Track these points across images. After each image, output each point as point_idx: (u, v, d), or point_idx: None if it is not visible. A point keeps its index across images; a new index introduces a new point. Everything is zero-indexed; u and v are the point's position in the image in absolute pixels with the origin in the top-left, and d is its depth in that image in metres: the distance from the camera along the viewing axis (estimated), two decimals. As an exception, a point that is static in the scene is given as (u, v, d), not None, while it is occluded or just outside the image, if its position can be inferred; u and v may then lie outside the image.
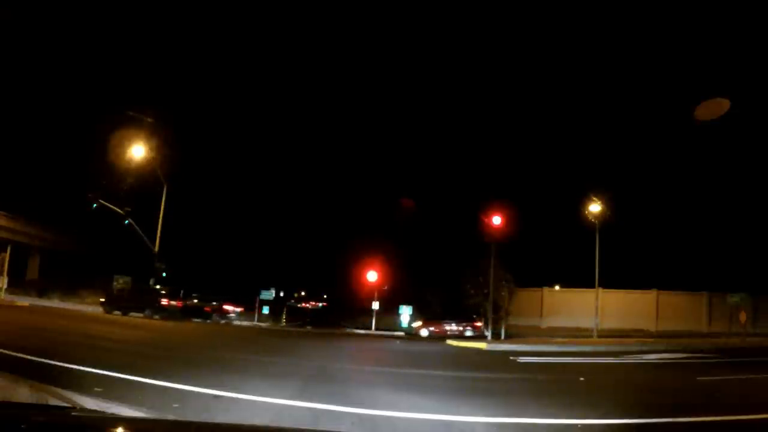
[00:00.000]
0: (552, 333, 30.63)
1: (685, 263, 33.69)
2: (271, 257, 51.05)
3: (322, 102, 71.56)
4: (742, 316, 24.33)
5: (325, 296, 72.40)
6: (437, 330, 29.46)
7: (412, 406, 7.14)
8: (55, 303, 32.66)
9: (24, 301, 29.81)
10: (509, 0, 55.98)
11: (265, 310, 37.86)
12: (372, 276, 37.18)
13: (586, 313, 28.93)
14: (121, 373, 7.82)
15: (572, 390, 9.81)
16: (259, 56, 67.09)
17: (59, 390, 5.43)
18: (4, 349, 9.20)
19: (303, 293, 75.57)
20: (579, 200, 27.49)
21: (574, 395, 9.04)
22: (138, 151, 29.52)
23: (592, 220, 26.77)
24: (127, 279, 35.68)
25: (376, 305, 35.35)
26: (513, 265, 29.48)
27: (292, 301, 67.09)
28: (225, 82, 68.37)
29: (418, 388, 9.00)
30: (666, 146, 44.20)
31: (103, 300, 29.65)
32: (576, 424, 6.44)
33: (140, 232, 30.75)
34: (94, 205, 29.36)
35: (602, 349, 20.82)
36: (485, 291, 27.77)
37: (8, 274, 35.47)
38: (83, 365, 8.20)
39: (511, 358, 16.44)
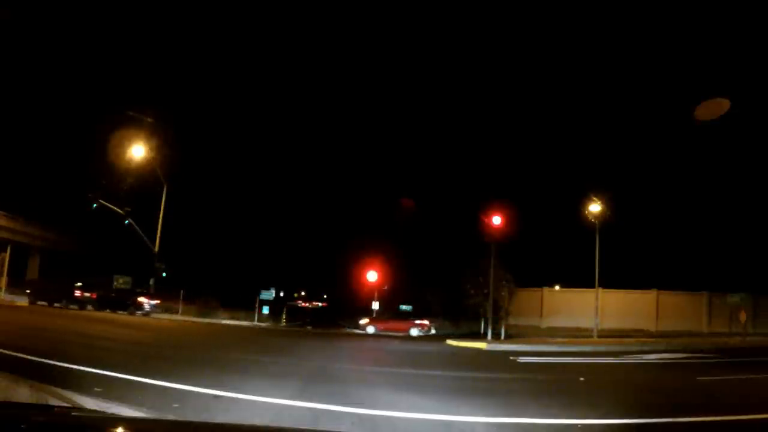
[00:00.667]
0: (552, 333, 30.63)
1: (685, 263, 33.70)
2: (271, 257, 51.09)
3: (322, 102, 71.60)
4: (742, 316, 24.34)
5: (325, 296, 72.43)
6: (382, 327, 30.01)
7: (412, 406, 7.14)
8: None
9: (24, 301, 29.79)
10: (509, 0, 55.98)
11: (265, 310, 37.86)
12: (372, 276, 37.20)
13: (586, 313, 28.94)
14: (121, 373, 7.82)
15: (572, 390, 9.81)
16: (259, 56, 67.13)
17: (59, 390, 5.44)
18: (4, 349, 9.20)
19: (303, 293, 75.58)
20: (579, 200, 27.49)
21: (574, 395, 9.04)
22: (138, 151, 29.55)
23: (592, 220, 26.77)
24: (128, 279, 35.69)
25: (376, 305, 35.36)
26: (513, 265, 29.50)
27: (299, 302, 67.18)
28: (225, 82, 68.41)
29: (418, 388, 9.00)
30: (666, 146, 44.21)
31: (28, 291, 30.69)
32: (576, 424, 6.44)
33: (140, 232, 30.78)
34: (94, 205, 29.38)
35: (602, 349, 20.82)
36: (485, 291, 27.77)
37: (8, 274, 35.50)
38: (83, 365, 8.20)
39: (511, 358, 16.44)
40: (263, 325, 33.82)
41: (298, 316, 44.88)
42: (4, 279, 34.40)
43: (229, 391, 7.08)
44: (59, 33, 49.93)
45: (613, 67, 51.95)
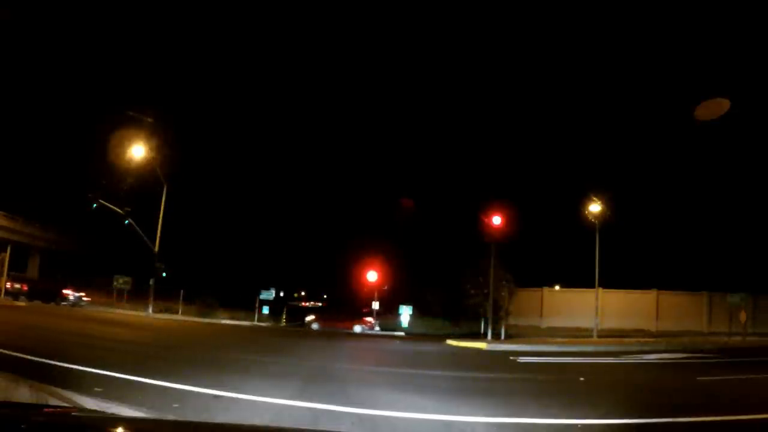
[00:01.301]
0: (552, 333, 30.63)
1: (685, 263, 33.70)
2: (271, 257, 51.01)
3: (322, 102, 71.56)
4: (742, 316, 24.35)
5: (325, 296, 72.40)
6: (327, 324, 30.65)
7: (412, 406, 7.14)
8: (54, 303, 32.63)
9: (24, 301, 29.82)
10: (509, 0, 55.98)
11: (265, 310, 37.86)
12: (372, 276, 37.19)
13: (586, 313, 28.94)
14: (121, 372, 7.82)
15: (572, 390, 9.81)
16: (259, 56, 67.09)
17: (59, 390, 5.44)
18: (4, 349, 9.20)
19: (303, 293, 75.54)
20: (579, 200, 27.50)
21: (574, 395, 9.04)
22: (138, 151, 29.54)
23: (592, 220, 26.78)
24: (128, 279, 35.70)
25: (376, 305, 35.36)
26: (513, 265, 29.51)
27: (303, 303, 67.19)
28: (225, 83, 68.36)
29: (417, 388, 9.00)
30: (666, 146, 44.19)
31: None
32: (576, 424, 6.43)
33: (140, 232, 30.77)
34: (94, 205, 29.37)
35: (602, 349, 20.82)
36: (485, 291, 27.78)
37: (8, 275, 35.48)
38: (83, 365, 8.20)
39: (511, 358, 16.44)
40: (263, 324, 33.83)
41: (299, 316, 44.87)
42: (5, 279, 34.40)
43: (229, 391, 7.08)
44: (59, 33, 49.92)
45: (613, 67, 51.95)
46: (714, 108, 20.36)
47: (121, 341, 14.12)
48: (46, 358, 8.60)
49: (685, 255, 34.15)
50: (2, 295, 32.60)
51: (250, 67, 68.08)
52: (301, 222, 55.33)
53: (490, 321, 26.94)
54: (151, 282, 31.36)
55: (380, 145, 66.86)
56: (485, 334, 27.06)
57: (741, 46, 36.86)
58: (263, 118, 65.58)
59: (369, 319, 31.29)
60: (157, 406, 5.74)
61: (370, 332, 30.19)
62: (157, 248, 31.53)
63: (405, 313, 35.94)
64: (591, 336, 26.27)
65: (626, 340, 24.70)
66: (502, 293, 29.09)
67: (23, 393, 5.11)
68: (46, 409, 3.20)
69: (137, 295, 34.75)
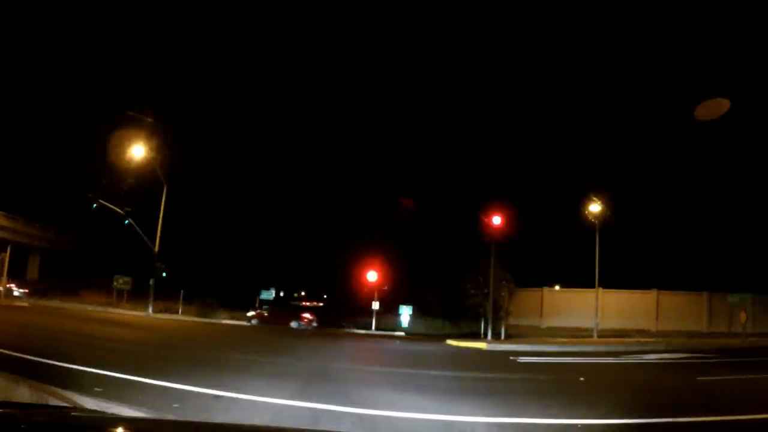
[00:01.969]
0: (552, 333, 30.63)
1: (685, 263, 33.70)
2: (271, 257, 51.01)
3: (322, 102, 71.55)
4: (742, 316, 24.35)
5: (325, 296, 72.40)
6: (268, 321, 31.02)
7: (412, 405, 7.14)
8: (54, 303, 32.66)
9: (24, 301, 29.82)
10: (509, 0, 55.98)
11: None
12: (372, 276, 37.18)
13: (586, 313, 28.94)
14: (121, 372, 7.82)
15: (572, 390, 9.81)
16: (259, 57, 67.10)
17: (59, 390, 5.44)
18: (4, 349, 9.20)
19: (303, 293, 75.55)
20: (579, 200, 27.51)
21: (574, 395, 9.04)
22: (138, 151, 29.53)
23: (592, 220, 26.78)
24: (128, 279, 35.70)
25: (376, 305, 35.35)
26: (513, 265, 29.50)
27: (302, 303, 67.20)
28: (225, 83, 68.37)
29: (417, 388, 9.00)
30: (666, 146, 44.20)
31: None
32: (576, 424, 6.43)
33: (140, 232, 30.77)
34: (94, 205, 29.37)
35: (602, 349, 20.83)
36: (485, 291, 27.78)
37: (8, 274, 35.49)
38: (83, 365, 8.19)
39: (511, 358, 16.44)
40: (263, 325, 33.82)
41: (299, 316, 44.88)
42: (5, 279, 34.40)
43: (229, 391, 7.07)
44: (59, 33, 49.93)
45: (613, 67, 51.95)
46: (714, 108, 20.35)
47: (121, 341, 14.11)
48: (45, 358, 8.60)
49: (685, 255, 34.16)
50: (2, 296, 32.62)
51: (250, 68, 68.09)
52: (301, 222, 55.33)
53: (490, 321, 26.94)
54: (151, 282, 31.35)
55: (380, 145, 66.86)
56: (485, 334, 27.06)
57: (741, 46, 36.86)
58: (263, 118, 65.58)
59: (306, 315, 31.91)
60: (157, 406, 5.74)
61: (306, 328, 30.87)
62: (157, 248, 31.53)
63: (405, 313, 35.93)
64: (591, 336, 26.27)
65: (626, 340, 24.70)
66: (502, 293, 29.09)
67: (23, 393, 5.11)
68: (46, 409, 3.20)
69: (137, 295, 34.74)
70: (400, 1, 56.23)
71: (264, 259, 49.74)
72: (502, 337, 26.08)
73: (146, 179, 31.06)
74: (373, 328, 34.66)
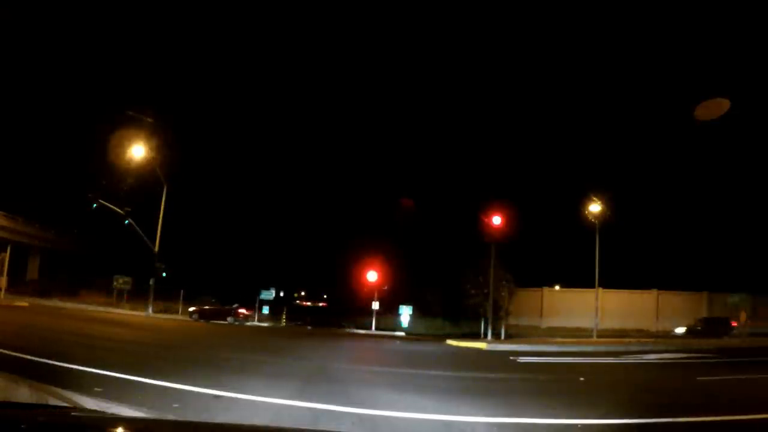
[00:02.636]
0: (552, 333, 30.65)
1: (685, 263, 33.72)
2: (271, 257, 51.02)
3: (322, 102, 71.57)
4: (742, 316, 24.35)
5: (325, 296, 72.40)
6: (206, 316, 31.31)
7: (412, 405, 7.14)
8: (55, 303, 32.66)
9: (24, 301, 29.80)
10: (509, 0, 55.98)
11: (265, 310, 37.87)
12: (372, 276, 37.17)
13: (586, 313, 28.95)
14: (121, 373, 7.82)
15: (572, 390, 9.81)
16: (259, 56, 67.10)
17: (59, 390, 5.43)
18: (4, 349, 9.20)
19: (303, 293, 75.57)
20: (579, 200, 27.52)
21: (574, 395, 9.04)
22: (138, 151, 29.53)
23: (592, 220, 26.79)
24: (128, 279, 35.69)
25: (376, 305, 35.35)
26: (513, 265, 29.51)
27: (304, 303, 67.26)
28: (225, 83, 68.38)
29: (417, 388, 9.00)
30: (666, 146, 44.21)
31: None
32: (576, 424, 6.43)
33: (140, 232, 30.77)
34: (94, 205, 29.37)
35: (602, 349, 20.82)
36: (485, 291, 27.78)
37: (8, 274, 35.48)
38: (83, 365, 8.19)
39: (511, 358, 16.45)
40: (264, 324, 33.82)
41: (299, 316, 44.90)
42: (4, 279, 34.38)
43: (228, 391, 7.07)
44: (59, 33, 49.93)
45: (613, 67, 51.94)
46: (714, 108, 20.36)
47: (120, 341, 14.11)
48: (45, 358, 8.60)
49: (685, 255, 34.18)
50: (3, 295, 32.61)
51: (250, 68, 68.09)
52: (301, 222, 55.36)
53: (490, 321, 26.94)
54: (151, 282, 31.35)
55: (380, 145, 66.88)
56: (485, 334, 27.06)
57: (741, 46, 36.86)
58: (263, 118, 65.57)
59: (242, 310, 32.31)
60: (157, 406, 5.74)
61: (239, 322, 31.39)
62: (157, 248, 31.52)
63: (405, 313, 35.91)
64: (591, 336, 26.28)
65: (626, 339, 24.70)
66: (502, 293, 29.08)
67: (23, 393, 5.10)
68: (46, 409, 3.20)
69: (137, 295, 34.75)
70: (400, 1, 56.23)
71: (264, 259, 49.76)
72: (502, 337, 26.08)
73: (146, 179, 31.08)
74: (373, 328, 34.66)
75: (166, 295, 34.00)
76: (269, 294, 37.99)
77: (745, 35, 38.33)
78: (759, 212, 32.59)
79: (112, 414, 4.08)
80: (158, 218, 31.77)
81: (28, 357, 8.73)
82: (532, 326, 33.42)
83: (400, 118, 69.93)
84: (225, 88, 69.24)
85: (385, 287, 37.84)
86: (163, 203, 31.69)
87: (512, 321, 30.64)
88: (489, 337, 26.28)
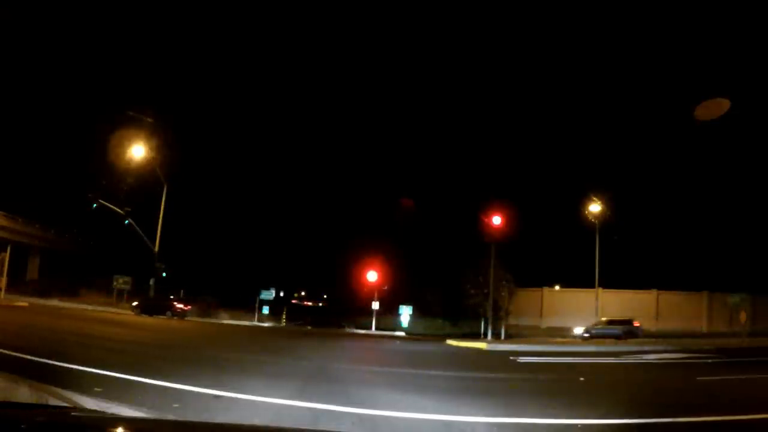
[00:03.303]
0: (552, 333, 30.65)
1: (685, 263, 33.70)
2: (271, 257, 51.04)
3: (322, 102, 71.61)
4: (742, 316, 24.35)
5: (325, 296, 72.43)
6: (146, 309, 30.88)
7: (412, 405, 7.14)
8: (55, 303, 32.65)
9: (24, 301, 29.79)
10: (509, 0, 56.00)
11: (265, 310, 37.89)
12: (372, 276, 37.19)
13: (586, 313, 28.95)
14: (121, 373, 7.81)
15: (572, 390, 9.81)
16: (259, 56, 67.13)
17: (59, 390, 5.43)
18: (4, 349, 9.19)
19: (303, 293, 75.60)
20: (579, 200, 27.56)
21: (574, 395, 9.04)
22: (138, 151, 29.54)
23: (592, 220, 26.81)
24: (128, 279, 35.71)
25: (376, 305, 35.36)
26: (513, 265, 29.52)
27: (305, 303, 67.28)
28: (224, 83, 68.43)
29: (418, 388, 9.00)
30: (666, 146, 44.21)
31: None
32: (576, 424, 6.43)
33: (140, 232, 30.78)
34: (94, 205, 29.38)
35: (602, 349, 20.84)
36: (485, 291, 27.79)
37: (8, 274, 35.46)
38: (83, 365, 8.19)
39: (511, 358, 16.44)
40: (264, 324, 33.83)
41: (299, 316, 44.91)
42: (4, 279, 34.37)
43: (229, 391, 7.07)
44: (59, 33, 49.94)
45: (614, 67, 51.96)
46: (714, 108, 20.37)
47: (121, 341, 14.10)
48: (45, 358, 8.59)
49: (685, 255, 34.16)
50: (2, 295, 32.60)
51: (250, 68, 68.11)
52: (301, 222, 55.40)
53: (490, 321, 26.95)
54: (151, 282, 31.37)
55: (380, 145, 66.90)
56: (485, 334, 27.08)
57: (741, 46, 36.87)
58: (263, 118, 65.58)
59: (179, 305, 32.02)
60: (157, 406, 5.74)
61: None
62: (157, 248, 31.53)
63: (405, 313, 35.94)
64: (591, 336, 26.24)
65: (626, 339, 24.69)
66: (502, 293, 29.11)
67: (23, 393, 5.10)
68: (46, 409, 3.19)
69: (137, 295, 34.78)
70: (400, 2, 56.25)
71: (264, 259, 49.79)
72: (502, 337, 26.09)
73: (146, 179, 31.09)
74: (373, 328, 34.68)
75: (166, 295, 34.02)
76: (269, 294, 38.01)
77: (745, 35, 38.35)
78: (759, 212, 32.59)
79: (112, 414, 4.08)
80: (158, 218, 31.79)
81: (28, 357, 8.73)
82: (532, 326, 33.42)
83: (400, 119, 69.98)
84: (225, 88, 69.28)
85: (385, 287, 37.86)
86: (163, 203, 31.71)
87: (512, 321, 30.64)
88: (489, 337, 26.29)
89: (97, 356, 9.58)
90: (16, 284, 38.04)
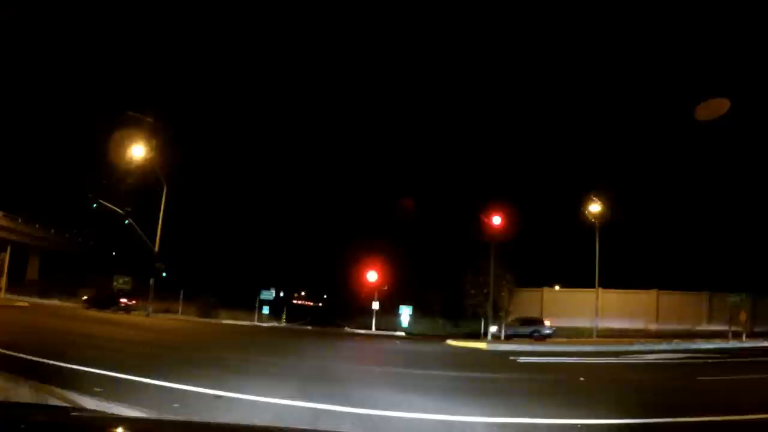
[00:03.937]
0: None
1: (685, 263, 33.66)
2: (271, 257, 51.10)
3: (322, 102, 71.63)
4: (742, 316, 24.35)
5: (325, 296, 72.45)
6: (95, 304, 31.11)
7: (412, 406, 7.13)
8: (55, 303, 32.65)
9: (24, 301, 29.78)
10: (509, 0, 56.01)
11: (265, 310, 37.88)
12: (372, 276, 37.19)
13: (586, 313, 28.93)
14: (121, 373, 7.81)
15: (572, 390, 9.80)
16: (259, 57, 67.15)
17: (59, 390, 5.43)
18: (4, 349, 9.19)
19: (303, 293, 75.60)
20: (579, 200, 27.52)
21: (574, 395, 9.03)
22: (138, 151, 29.51)
23: (592, 220, 26.79)
24: (128, 279, 35.70)
25: (376, 305, 35.35)
26: (513, 265, 29.51)
27: (306, 302, 67.32)
28: (225, 83, 68.47)
29: (418, 388, 8.99)
30: (666, 146, 44.20)
31: None
32: (576, 424, 6.42)
33: (140, 232, 30.75)
34: (94, 204, 29.36)
35: (602, 349, 20.82)
36: (485, 291, 27.79)
37: (8, 274, 35.49)
38: (83, 365, 8.18)
39: (511, 358, 16.44)
40: (264, 324, 33.83)
41: (299, 316, 44.94)
42: (4, 279, 34.38)
43: (229, 391, 7.06)
44: (60, 34, 49.95)
45: (614, 67, 51.96)
46: (714, 108, 20.38)
47: (121, 341, 14.10)
48: (45, 358, 8.58)
49: (685, 255, 34.12)
50: (3, 295, 32.60)
51: (249, 68, 68.12)
52: (301, 222, 55.43)
53: (490, 321, 26.94)
54: (151, 282, 31.35)
55: (380, 145, 66.90)
56: (485, 334, 27.07)
57: (741, 46, 36.87)
58: (263, 118, 65.56)
59: (124, 300, 32.59)
60: (157, 406, 5.73)
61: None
62: (157, 248, 31.51)
63: (405, 313, 35.93)
64: (591, 336, 26.27)
65: (626, 339, 24.68)
66: (502, 293, 29.11)
67: (23, 393, 5.10)
68: (46, 409, 3.19)
69: (137, 295, 34.78)
70: (400, 2, 56.26)
71: (264, 259, 49.85)
72: (502, 337, 26.07)
73: (146, 179, 31.06)
74: (373, 328, 34.67)
75: (166, 295, 34.01)
76: (269, 294, 38.00)
77: (745, 35, 38.35)
78: (759, 212, 32.57)
79: (113, 414, 4.08)
80: (158, 218, 31.76)
81: (28, 357, 8.72)
82: (532, 326, 33.34)
83: (400, 119, 70.00)
84: (225, 88, 69.30)
85: (385, 287, 37.86)
86: (163, 203, 31.68)
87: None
88: (489, 337, 26.28)
89: (97, 356, 9.57)
90: (16, 284, 38.06)
